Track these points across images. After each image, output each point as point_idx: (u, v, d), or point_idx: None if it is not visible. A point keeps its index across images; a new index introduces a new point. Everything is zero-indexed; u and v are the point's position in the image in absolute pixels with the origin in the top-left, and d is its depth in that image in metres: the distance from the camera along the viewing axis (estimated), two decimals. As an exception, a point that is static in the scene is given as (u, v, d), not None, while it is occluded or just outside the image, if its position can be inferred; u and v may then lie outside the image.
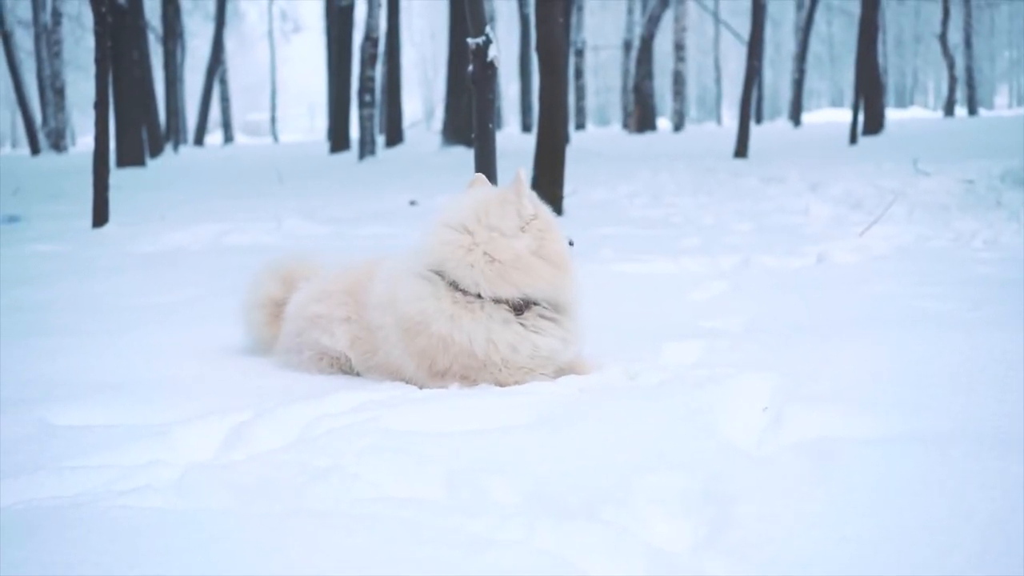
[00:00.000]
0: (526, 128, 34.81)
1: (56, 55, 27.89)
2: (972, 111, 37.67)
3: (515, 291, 3.22)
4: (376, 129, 22.04)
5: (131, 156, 20.43)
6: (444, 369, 3.30)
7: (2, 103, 47.40)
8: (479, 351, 3.22)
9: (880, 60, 30.17)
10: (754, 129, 23.40)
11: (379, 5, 21.68)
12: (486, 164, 5.63)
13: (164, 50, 32.73)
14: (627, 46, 35.76)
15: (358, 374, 3.59)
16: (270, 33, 51.50)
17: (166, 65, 32.50)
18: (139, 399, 3.19)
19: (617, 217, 9.70)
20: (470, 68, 5.74)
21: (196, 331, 4.43)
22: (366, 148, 20.69)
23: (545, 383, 3.20)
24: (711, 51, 53.07)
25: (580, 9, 33.59)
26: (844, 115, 37.96)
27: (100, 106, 9.17)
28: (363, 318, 3.55)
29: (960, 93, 43.54)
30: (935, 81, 67.53)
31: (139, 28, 25.32)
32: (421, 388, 3.34)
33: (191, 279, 6.22)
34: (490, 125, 5.69)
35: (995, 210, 8.71)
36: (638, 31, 32.32)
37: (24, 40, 31.47)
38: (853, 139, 20.59)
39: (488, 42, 5.69)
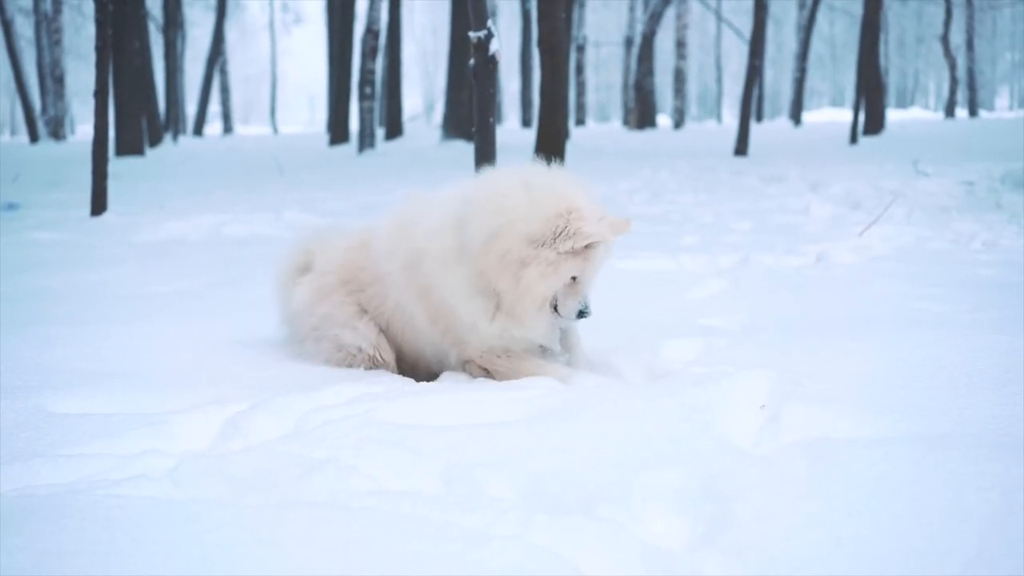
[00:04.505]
0: (526, 123, 34.82)
1: (56, 43, 27.86)
2: (973, 113, 37.66)
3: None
4: (376, 122, 22.01)
5: (130, 145, 20.40)
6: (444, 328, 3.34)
7: (2, 91, 47.32)
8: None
9: (882, 61, 30.19)
10: (755, 128, 23.41)
11: (381, -2, 21.64)
12: (486, 158, 5.62)
13: (165, 40, 32.67)
14: (628, 43, 35.71)
15: (374, 365, 3.56)
16: (271, 24, 51.47)
17: (166, 55, 32.43)
18: (136, 388, 3.19)
19: (616, 213, 9.63)
20: (471, 62, 5.72)
21: (194, 321, 4.42)
22: (366, 141, 20.66)
23: (543, 379, 3.19)
24: (712, 49, 53.02)
25: (582, 5, 33.56)
26: (845, 115, 37.98)
27: (100, 95, 9.15)
28: (368, 292, 3.54)
29: (961, 95, 43.55)
30: (936, 82, 67.51)
31: (140, 17, 25.27)
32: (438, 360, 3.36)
33: (189, 269, 6.21)
34: (491, 119, 5.68)
35: (995, 212, 8.70)
36: (640, 28, 32.27)
37: (24, 28, 31.41)
38: (853, 139, 20.59)
39: (490, 36, 5.67)
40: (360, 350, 3.55)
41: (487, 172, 3.42)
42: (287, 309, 3.85)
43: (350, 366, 3.57)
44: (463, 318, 3.24)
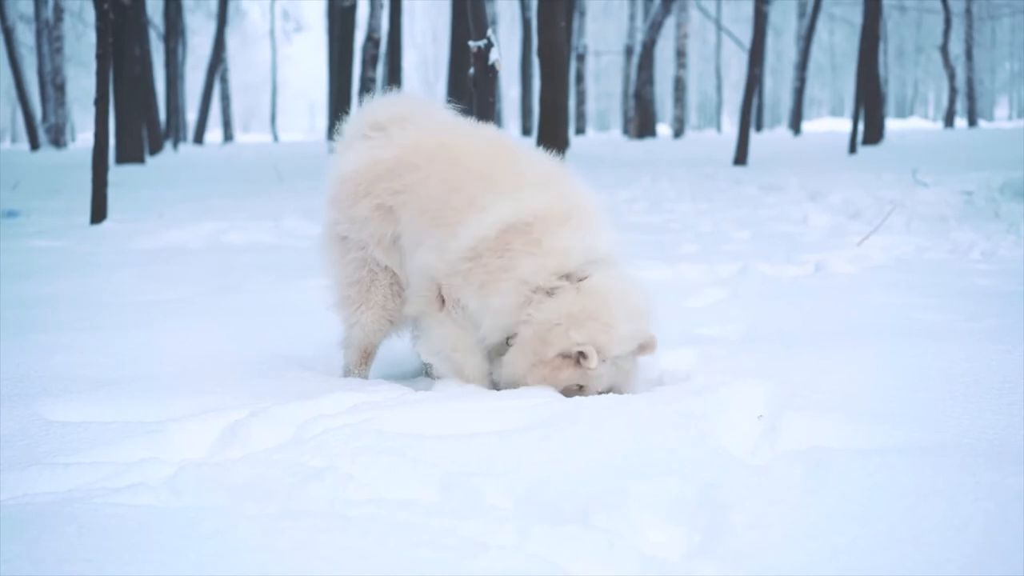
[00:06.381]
0: (526, 131, 34.81)
1: (57, 51, 27.89)
2: (972, 123, 37.73)
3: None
4: (376, 130, 21.98)
5: (131, 153, 20.40)
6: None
7: (2, 98, 47.35)
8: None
9: (881, 70, 30.23)
10: (754, 137, 23.44)
11: (381, 6, 21.69)
12: (486, 167, 5.63)
13: (165, 47, 32.72)
14: (628, 52, 35.74)
15: (391, 286, 3.56)
16: (272, 32, 51.57)
17: (167, 63, 32.49)
18: (135, 396, 3.19)
19: (616, 222, 9.67)
20: (471, 71, 5.74)
21: (193, 329, 4.43)
22: (366, 149, 20.64)
23: (542, 389, 3.19)
24: (712, 58, 53.13)
25: (582, 14, 33.64)
26: (844, 124, 38.05)
27: (100, 102, 9.16)
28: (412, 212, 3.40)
29: (960, 104, 43.59)
30: (935, 92, 67.61)
31: (141, 25, 25.30)
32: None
33: (189, 277, 6.21)
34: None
35: (993, 222, 8.71)
36: (640, 37, 32.33)
37: (25, 35, 31.44)
38: (853, 148, 20.62)
39: (490, 45, 5.69)
40: (385, 268, 3.53)
41: (596, 279, 3.28)
42: (338, 166, 3.80)
43: (370, 287, 3.55)
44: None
